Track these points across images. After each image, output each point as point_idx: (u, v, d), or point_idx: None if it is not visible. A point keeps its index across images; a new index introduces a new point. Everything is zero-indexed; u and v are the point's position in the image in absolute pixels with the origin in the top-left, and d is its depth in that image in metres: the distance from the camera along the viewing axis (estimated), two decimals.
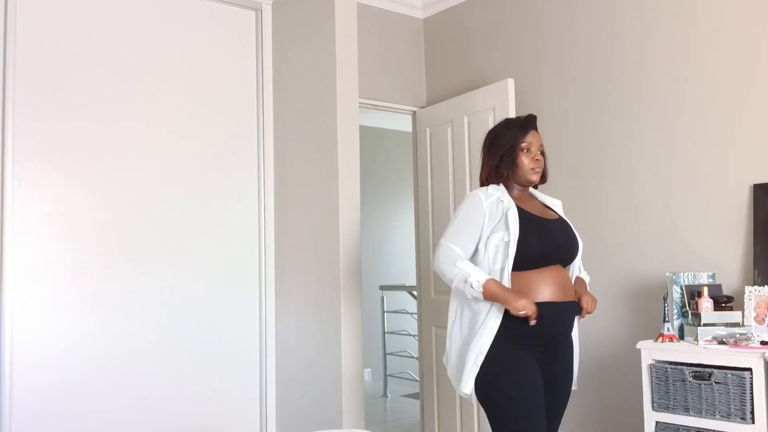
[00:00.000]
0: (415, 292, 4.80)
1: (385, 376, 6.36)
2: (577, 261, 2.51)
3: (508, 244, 2.29)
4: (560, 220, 2.48)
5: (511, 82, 3.66)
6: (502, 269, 2.30)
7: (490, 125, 3.68)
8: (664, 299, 2.77)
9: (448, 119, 4.04)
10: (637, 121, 3.28)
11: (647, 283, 3.20)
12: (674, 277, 2.84)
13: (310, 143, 3.58)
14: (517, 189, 2.46)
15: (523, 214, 2.36)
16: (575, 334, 2.48)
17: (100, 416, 3.21)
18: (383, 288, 6.47)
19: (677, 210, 3.11)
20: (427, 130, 4.22)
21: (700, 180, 3.04)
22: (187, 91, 3.59)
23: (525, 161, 2.40)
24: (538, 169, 2.43)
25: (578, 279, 2.51)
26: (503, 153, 2.41)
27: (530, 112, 2.57)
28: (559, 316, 2.35)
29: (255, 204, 3.79)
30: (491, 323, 2.29)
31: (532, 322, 2.23)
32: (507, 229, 2.30)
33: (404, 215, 6.65)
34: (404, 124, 4.63)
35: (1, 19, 3.07)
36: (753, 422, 2.42)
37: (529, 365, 2.29)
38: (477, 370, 2.29)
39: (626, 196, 3.31)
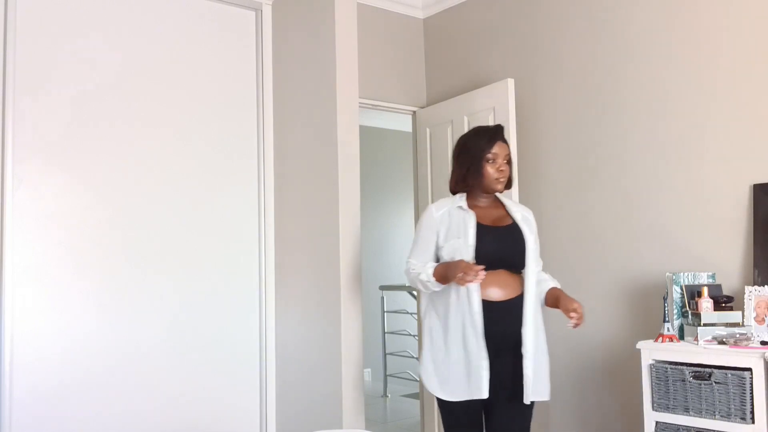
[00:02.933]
0: (415, 292, 4.80)
1: (385, 376, 6.36)
2: (535, 269, 2.55)
3: (464, 243, 2.45)
4: (511, 228, 2.55)
5: (511, 82, 3.66)
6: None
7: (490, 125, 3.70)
8: (664, 299, 2.77)
9: (448, 119, 4.04)
10: (636, 120, 3.28)
11: (647, 283, 3.20)
12: (674, 277, 2.84)
13: (310, 143, 3.58)
14: (483, 196, 2.60)
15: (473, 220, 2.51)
16: (540, 339, 2.50)
17: (99, 416, 3.21)
18: (383, 288, 6.47)
19: (677, 210, 3.11)
20: (427, 130, 4.22)
21: (700, 180, 3.04)
22: (187, 91, 3.59)
23: (490, 171, 2.53)
24: (502, 179, 2.55)
25: (553, 290, 2.59)
26: (470, 164, 2.55)
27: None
28: (501, 314, 2.44)
29: (255, 204, 3.79)
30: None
31: (478, 279, 2.31)
32: (465, 234, 2.46)
33: (404, 215, 6.65)
34: (404, 124, 4.63)
35: (1, 19, 3.07)
36: (753, 422, 2.42)
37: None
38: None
39: (626, 196, 3.30)
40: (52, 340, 3.11)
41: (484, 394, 2.38)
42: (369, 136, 5.74)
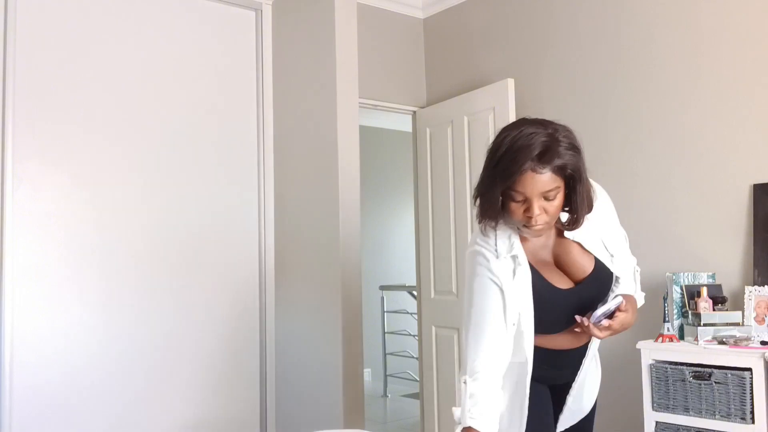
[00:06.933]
0: (415, 292, 4.80)
1: (385, 376, 6.36)
2: (628, 286, 1.94)
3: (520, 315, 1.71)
4: (589, 281, 1.79)
5: (511, 82, 3.66)
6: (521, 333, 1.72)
7: (491, 125, 3.70)
8: (664, 299, 2.77)
9: (448, 119, 4.04)
10: (637, 121, 3.28)
11: (647, 283, 3.19)
12: (674, 277, 2.84)
13: (310, 143, 3.58)
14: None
15: (536, 281, 1.73)
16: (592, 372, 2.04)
17: (99, 416, 3.21)
18: (383, 288, 6.47)
19: (677, 210, 3.11)
20: (427, 130, 4.22)
21: (700, 180, 3.04)
22: (187, 91, 3.59)
23: (514, 208, 1.64)
24: (538, 226, 1.63)
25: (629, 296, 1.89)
26: (484, 192, 1.66)
27: (526, 114, 2.04)
28: (561, 360, 1.89)
29: (255, 204, 3.79)
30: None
31: None
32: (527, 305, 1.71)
33: (404, 215, 6.65)
34: (404, 124, 4.63)
35: (1, 21, 3.07)
36: (753, 422, 2.42)
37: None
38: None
39: (626, 196, 3.30)
40: (52, 340, 3.11)
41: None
42: (369, 136, 5.75)
